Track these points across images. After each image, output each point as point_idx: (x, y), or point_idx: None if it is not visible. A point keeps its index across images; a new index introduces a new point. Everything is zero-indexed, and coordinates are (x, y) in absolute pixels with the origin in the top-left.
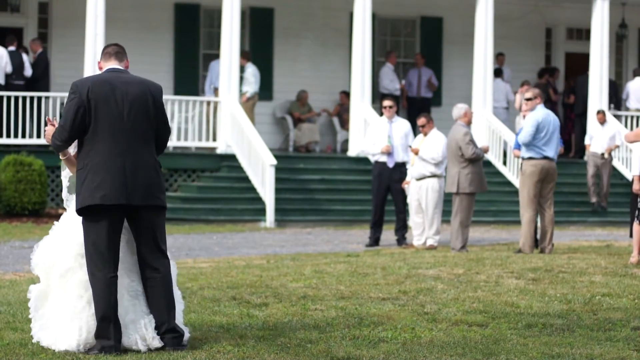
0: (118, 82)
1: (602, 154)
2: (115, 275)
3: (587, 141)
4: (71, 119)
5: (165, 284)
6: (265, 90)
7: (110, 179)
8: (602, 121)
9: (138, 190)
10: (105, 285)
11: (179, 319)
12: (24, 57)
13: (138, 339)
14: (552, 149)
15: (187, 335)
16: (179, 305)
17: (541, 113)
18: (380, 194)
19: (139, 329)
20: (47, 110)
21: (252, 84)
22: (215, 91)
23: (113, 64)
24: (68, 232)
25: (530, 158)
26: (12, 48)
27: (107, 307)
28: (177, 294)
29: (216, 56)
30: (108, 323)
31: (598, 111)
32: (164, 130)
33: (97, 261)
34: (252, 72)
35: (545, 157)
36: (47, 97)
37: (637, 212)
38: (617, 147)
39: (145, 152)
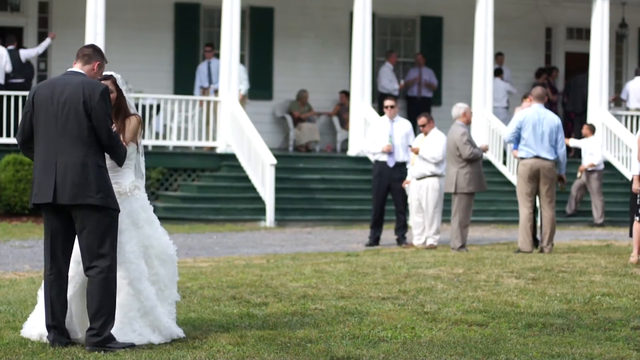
0: (60, 84)
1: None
2: (53, 275)
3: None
4: (21, 123)
5: (94, 287)
6: (265, 90)
7: (42, 179)
8: (587, 135)
9: (67, 189)
10: (45, 282)
11: (169, 318)
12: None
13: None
14: (545, 149)
15: (180, 334)
16: (168, 306)
17: (525, 112)
18: (380, 193)
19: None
20: None
21: (244, 80)
22: (203, 91)
23: (75, 67)
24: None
25: (521, 158)
26: (11, 47)
27: (46, 305)
28: (173, 294)
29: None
30: (47, 315)
31: (586, 124)
32: (102, 132)
33: (44, 258)
34: (243, 69)
35: (536, 157)
36: None
37: (637, 209)
38: (593, 165)
39: (78, 153)
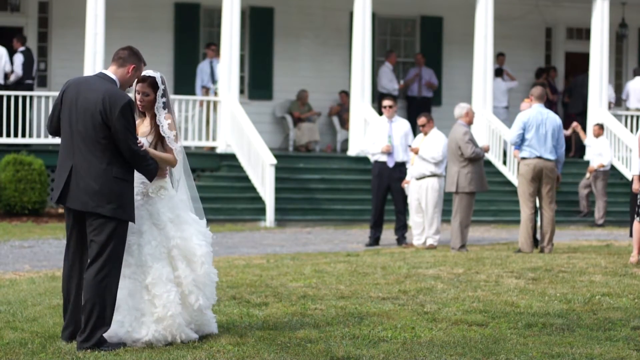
0: (86, 87)
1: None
2: (66, 270)
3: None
4: (50, 115)
5: (87, 290)
6: (265, 90)
7: (59, 180)
8: (597, 134)
9: (78, 195)
10: (62, 278)
11: (187, 325)
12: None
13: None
14: (547, 149)
15: (193, 336)
16: (193, 312)
17: (528, 113)
18: (380, 193)
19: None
20: (47, 109)
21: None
22: (206, 91)
23: (109, 69)
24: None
25: (523, 158)
26: (22, 48)
27: (64, 296)
28: (199, 301)
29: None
30: (64, 311)
31: (596, 124)
32: (123, 148)
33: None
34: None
35: (539, 157)
36: (47, 97)
37: (637, 209)
38: (603, 166)
39: (93, 160)
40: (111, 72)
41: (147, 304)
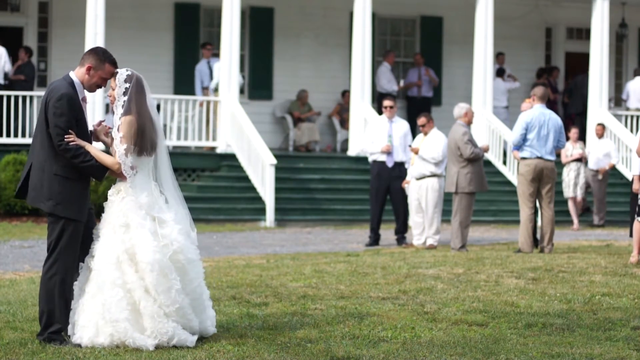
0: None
1: (597, 171)
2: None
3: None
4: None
5: (42, 286)
6: (265, 90)
7: (22, 176)
8: (600, 135)
9: (30, 191)
10: None
11: (141, 332)
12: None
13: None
14: (547, 150)
15: (147, 342)
16: (150, 319)
17: (531, 113)
18: (379, 193)
19: None
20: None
21: (215, 77)
22: (204, 91)
23: (74, 69)
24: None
25: (523, 158)
26: None
27: None
28: (149, 307)
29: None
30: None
31: (598, 123)
32: (53, 139)
33: None
34: (217, 67)
35: (539, 157)
36: None
37: (637, 209)
38: (613, 166)
39: (40, 157)
40: (73, 71)
41: (99, 307)
